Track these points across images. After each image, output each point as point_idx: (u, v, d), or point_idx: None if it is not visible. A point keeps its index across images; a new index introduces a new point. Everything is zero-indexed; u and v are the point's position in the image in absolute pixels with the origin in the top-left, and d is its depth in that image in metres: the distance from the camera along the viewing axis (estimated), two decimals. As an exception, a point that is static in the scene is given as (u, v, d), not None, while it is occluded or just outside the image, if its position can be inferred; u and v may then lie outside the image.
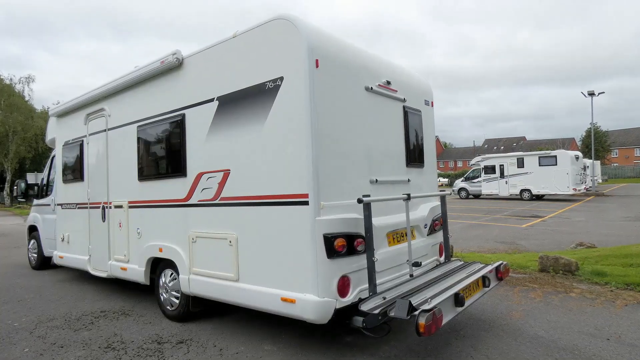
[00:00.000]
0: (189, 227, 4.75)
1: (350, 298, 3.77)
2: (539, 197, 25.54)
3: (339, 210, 3.84)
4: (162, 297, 5.25)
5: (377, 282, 3.82)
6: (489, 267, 4.48)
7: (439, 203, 5.30)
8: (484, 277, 4.23)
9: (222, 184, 4.38)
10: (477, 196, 28.51)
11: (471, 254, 8.39)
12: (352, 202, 3.88)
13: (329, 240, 3.66)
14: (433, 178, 5.64)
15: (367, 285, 3.81)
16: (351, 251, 3.82)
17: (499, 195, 26.63)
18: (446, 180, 46.93)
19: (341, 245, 3.72)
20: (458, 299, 3.61)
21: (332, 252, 3.67)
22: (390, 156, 4.72)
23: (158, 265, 5.35)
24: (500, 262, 4.63)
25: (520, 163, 25.54)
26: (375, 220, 4.03)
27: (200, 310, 4.98)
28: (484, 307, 5.12)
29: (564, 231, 11.95)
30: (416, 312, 3.18)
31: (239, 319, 4.99)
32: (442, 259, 5.25)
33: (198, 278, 4.59)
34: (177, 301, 5.01)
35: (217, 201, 4.43)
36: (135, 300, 6.01)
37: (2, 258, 10.28)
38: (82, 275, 7.66)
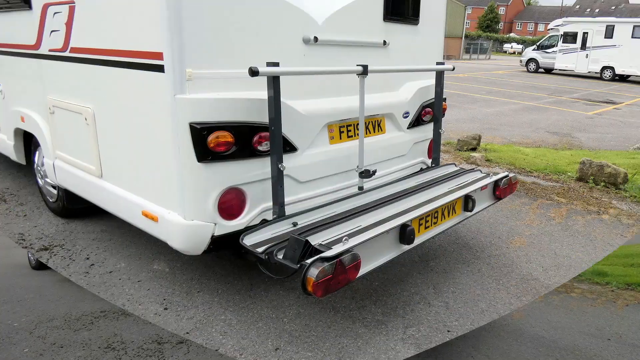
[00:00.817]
0: (45, 89, 3.74)
1: (243, 221, 2.85)
2: (623, 78, 21.13)
3: (228, 85, 2.67)
4: (39, 183, 4.39)
5: (308, 195, 3.03)
6: (485, 182, 3.56)
7: (433, 82, 3.86)
8: (466, 198, 3.33)
9: (69, 25, 3.25)
10: (548, 70, 23.58)
11: (507, 145, 6.66)
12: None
13: (199, 133, 2.52)
14: (434, 41, 4.04)
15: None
16: (246, 152, 2.74)
17: (575, 72, 22.10)
18: (520, 47, 37.75)
19: (224, 142, 2.60)
20: (405, 235, 2.75)
21: (206, 152, 2.58)
22: None
23: (32, 140, 4.34)
24: (505, 174, 3.74)
25: (609, 32, 20.55)
26: (307, 104, 2.99)
27: (82, 207, 4.07)
28: (474, 234, 4.22)
29: (636, 124, 9.79)
30: (308, 261, 2.26)
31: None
32: (430, 162, 4.12)
33: (62, 165, 3.78)
34: (55, 192, 4.19)
35: (66, 53, 3.36)
36: (20, 184, 5.00)
37: (1, 258, 10.28)
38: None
